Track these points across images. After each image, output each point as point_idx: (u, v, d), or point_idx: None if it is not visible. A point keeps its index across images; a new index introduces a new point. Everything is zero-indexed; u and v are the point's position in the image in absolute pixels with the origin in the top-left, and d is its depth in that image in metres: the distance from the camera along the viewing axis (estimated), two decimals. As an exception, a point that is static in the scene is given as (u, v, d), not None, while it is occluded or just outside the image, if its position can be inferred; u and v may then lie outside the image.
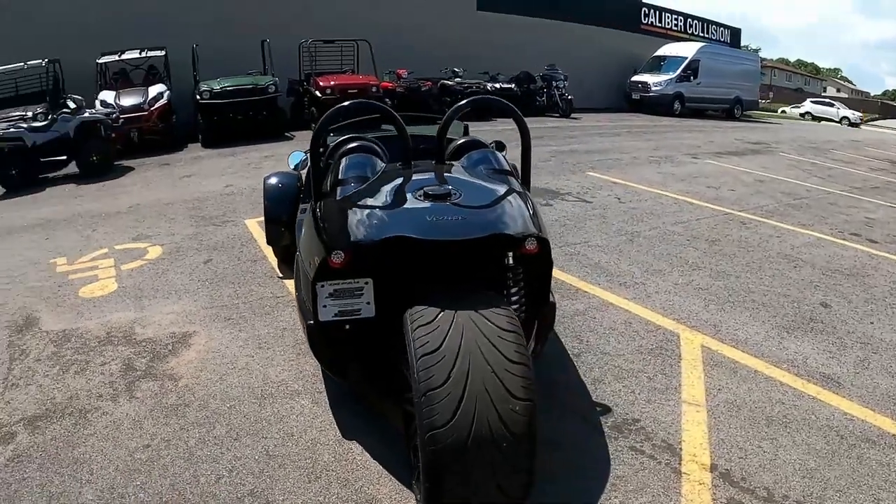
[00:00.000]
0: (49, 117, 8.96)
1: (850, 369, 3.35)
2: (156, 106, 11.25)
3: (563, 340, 3.70)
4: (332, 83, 13.26)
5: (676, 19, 25.27)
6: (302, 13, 15.18)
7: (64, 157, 9.05)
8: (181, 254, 5.46)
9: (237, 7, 14.67)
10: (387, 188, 2.71)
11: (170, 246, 5.69)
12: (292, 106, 14.26)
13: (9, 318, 4.29)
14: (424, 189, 2.56)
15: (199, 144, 12.00)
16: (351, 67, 14.81)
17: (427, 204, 2.47)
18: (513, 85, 16.21)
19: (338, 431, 2.82)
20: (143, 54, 12.30)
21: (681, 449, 2.63)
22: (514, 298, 2.60)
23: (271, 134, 12.31)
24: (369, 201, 2.62)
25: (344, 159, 3.05)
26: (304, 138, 11.28)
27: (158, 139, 11.43)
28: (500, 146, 5.24)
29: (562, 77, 16.30)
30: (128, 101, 11.12)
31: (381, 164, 3.07)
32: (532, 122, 14.01)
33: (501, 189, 2.74)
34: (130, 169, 9.85)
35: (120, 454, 2.71)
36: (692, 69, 20.41)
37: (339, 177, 2.93)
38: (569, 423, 2.86)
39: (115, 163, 9.83)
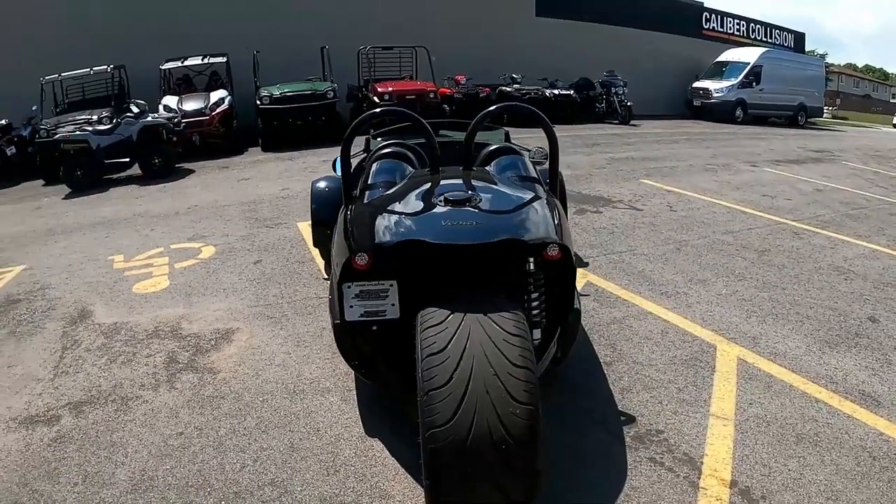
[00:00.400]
0: (113, 121, 9.50)
1: (891, 388, 3.19)
2: (217, 111, 11.75)
3: (595, 348, 3.69)
4: (389, 89, 13.52)
5: (738, 24, 24.50)
6: (361, 20, 15.53)
7: (127, 160, 9.55)
8: (233, 254, 5.71)
9: (297, 14, 15.15)
10: (410, 193, 2.79)
11: (223, 246, 5.96)
12: (352, 111, 14.59)
13: (65, 311, 4.62)
14: (444, 195, 2.61)
15: (259, 148, 12.44)
16: (409, 74, 15.06)
17: (445, 209, 2.53)
18: (571, 91, 16.11)
19: (362, 428, 2.92)
20: (205, 61, 12.86)
21: (702, 463, 2.59)
22: (534, 304, 2.61)
23: (329, 139, 12.59)
24: (392, 206, 2.71)
25: (374, 164, 3.17)
26: (361, 143, 11.59)
27: (219, 143, 11.92)
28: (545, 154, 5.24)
29: (621, 83, 16.11)
30: (190, 105, 11.66)
31: (409, 170, 3.16)
32: (590, 129, 14.04)
33: (524, 195, 2.78)
34: (191, 171, 10.33)
35: (154, 440, 2.89)
36: (754, 75, 19.78)
37: (368, 181, 3.04)
38: (589, 430, 2.86)
39: (177, 165, 10.32)
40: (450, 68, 15.44)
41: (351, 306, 2.55)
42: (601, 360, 3.54)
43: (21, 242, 6.72)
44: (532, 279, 2.59)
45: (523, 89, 15.45)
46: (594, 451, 2.71)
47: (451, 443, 1.85)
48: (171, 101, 11.74)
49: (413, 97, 13.52)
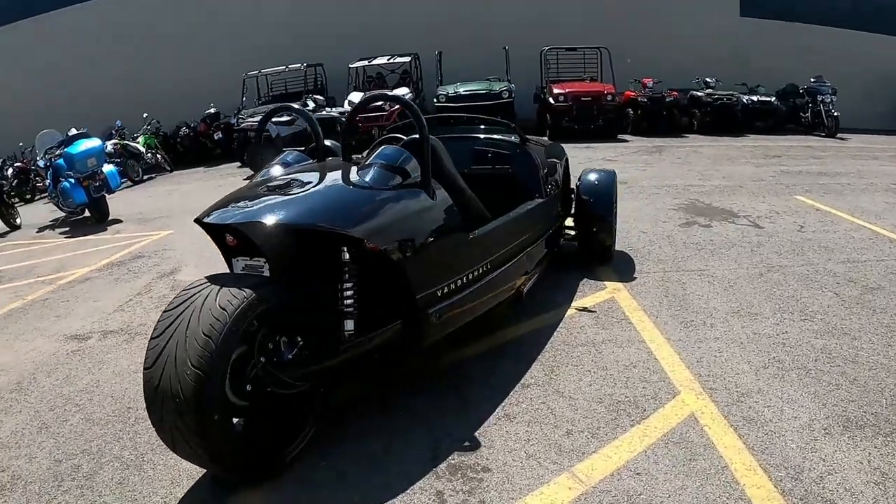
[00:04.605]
0: (293, 114, 10.39)
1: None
2: (396, 107, 12.17)
3: (532, 368, 2.99)
4: (566, 90, 12.76)
5: None
6: (550, 20, 14.78)
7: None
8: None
9: (486, 14, 14.84)
10: (261, 180, 2.75)
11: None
12: (537, 113, 14.06)
13: (164, 268, 5.34)
14: (268, 182, 2.56)
15: (435, 143, 12.69)
16: (592, 75, 14.02)
17: (262, 194, 2.44)
18: (773, 98, 13.29)
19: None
20: (392, 60, 13.26)
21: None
22: (346, 293, 2.32)
23: (501, 138, 12.35)
24: (239, 190, 2.65)
25: (283, 153, 3.13)
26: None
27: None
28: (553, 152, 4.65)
29: (829, 91, 12.66)
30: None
31: (297, 159, 3.04)
32: (784, 141, 11.81)
33: (350, 186, 2.54)
34: (361, 160, 10.89)
35: (123, 365, 3.36)
36: None
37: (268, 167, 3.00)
38: (416, 444, 2.39)
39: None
40: (643, 71, 13.92)
41: None
42: (521, 382, 2.84)
43: (187, 212, 7.75)
44: (347, 268, 2.32)
45: (715, 94, 13.18)
46: (390, 462, 2.27)
47: (148, 385, 1.98)
48: (355, 96, 12.25)
49: (588, 99, 12.55)
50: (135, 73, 14.73)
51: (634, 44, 14.19)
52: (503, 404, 2.63)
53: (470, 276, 2.76)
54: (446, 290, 2.58)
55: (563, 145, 5.08)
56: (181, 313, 2.02)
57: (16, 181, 10.41)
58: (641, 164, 9.45)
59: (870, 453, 2.21)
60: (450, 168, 3.00)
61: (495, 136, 4.21)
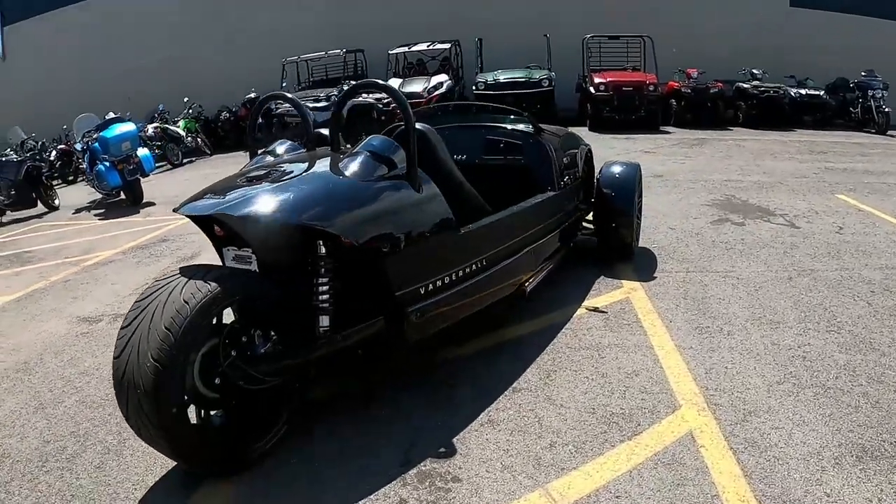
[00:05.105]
0: (329, 99, 10.39)
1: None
2: (434, 94, 11.94)
3: (529, 371, 2.84)
4: (607, 79, 12.29)
5: None
6: (593, 8, 14.31)
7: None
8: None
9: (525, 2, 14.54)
10: (245, 169, 2.69)
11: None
12: (579, 102, 13.64)
13: (185, 252, 5.38)
14: (248, 173, 2.48)
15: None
16: (634, 64, 13.47)
17: (232, 183, 2.40)
18: (821, 92, 12.45)
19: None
20: (431, 47, 13.01)
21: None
22: (322, 289, 2.23)
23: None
24: (225, 179, 2.61)
25: (277, 143, 3.08)
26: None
27: (435, 122, 12.21)
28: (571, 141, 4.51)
29: (880, 86, 11.71)
30: (410, 88, 11.91)
31: (288, 148, 2.98)
32: (832, 136, 11.18)
33: (329, 177, 2.43)
34: (396, 146, 10.81)
35: None
36: None
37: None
38: (392, 445, 2.29)
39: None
40: (690, 61, 13.27)
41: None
42: (513, 386, 2.70)
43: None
44: (323, 262, 2.24)
45: (762, 86, 12.44)
46: (361, 463, 2.19)
47: (115, 373, 1.98)
48: (394, 82, 12.18)
49: (630, 88, 12.04)
50: (180, 58, 15.04)
51: (680, 33, 13.58)
52: (489, 409, 2.50)
53: (459, 274, 2.62)
54: (430, 287, 2.46)
55: (603, 136, 4.87)
56: (148, 305, 1.99)
57: (59, 163, 10.76)
58: (681, 156, 9.06)
59: (882, 490, 1.98)
60: (445, 159, 2.86)
61: (508, 126, 4.03)
